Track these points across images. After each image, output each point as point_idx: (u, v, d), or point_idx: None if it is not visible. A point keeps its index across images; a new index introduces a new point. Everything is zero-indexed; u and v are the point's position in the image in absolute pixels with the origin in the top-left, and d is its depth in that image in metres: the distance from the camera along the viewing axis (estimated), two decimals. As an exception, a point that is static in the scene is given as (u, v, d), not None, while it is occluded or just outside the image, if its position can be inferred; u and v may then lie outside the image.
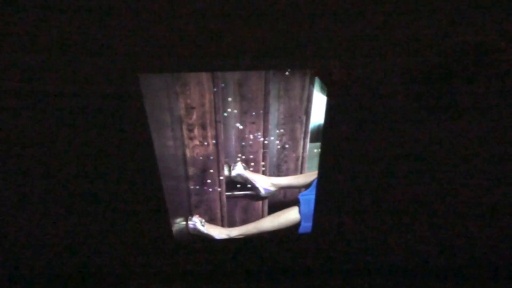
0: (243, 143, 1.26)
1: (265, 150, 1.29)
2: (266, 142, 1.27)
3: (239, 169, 1.31)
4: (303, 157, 1.31)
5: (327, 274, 1.62)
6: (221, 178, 1.32)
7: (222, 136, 1.24)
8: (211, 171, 1.30)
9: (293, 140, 1.28)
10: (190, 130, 1.21)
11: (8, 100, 1.09)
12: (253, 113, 1.21)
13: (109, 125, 1.15)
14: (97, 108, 1.11)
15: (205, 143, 1.25)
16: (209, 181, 1.32)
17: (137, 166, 1.24)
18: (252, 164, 1.31)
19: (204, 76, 1.13)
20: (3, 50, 1.00)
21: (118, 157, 1.22)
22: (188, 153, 1.26)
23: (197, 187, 1.33)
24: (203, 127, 1.21)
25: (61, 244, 1.44)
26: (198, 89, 1.15)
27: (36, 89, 1.07)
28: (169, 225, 1.38)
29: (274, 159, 1.31)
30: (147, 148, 1.19)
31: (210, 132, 1.23)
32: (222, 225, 1.43)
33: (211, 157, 1.27)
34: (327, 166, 1.29)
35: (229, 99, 1.17)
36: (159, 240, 1.45)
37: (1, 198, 1.29)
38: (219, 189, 1.35)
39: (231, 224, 1.43)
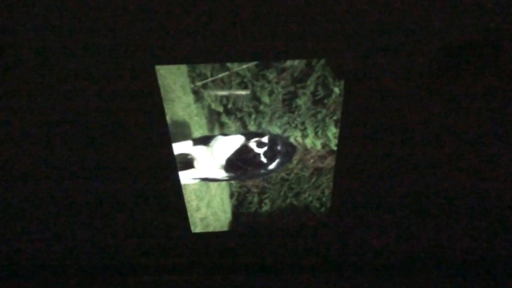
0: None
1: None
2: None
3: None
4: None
5: (330, 271, 1.62)
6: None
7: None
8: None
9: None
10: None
11: (18, 98, 1.08)
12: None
13: (125, 120, 1.15)
14: (113, 101, 1.10)
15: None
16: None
17: (154, 158, 1.25)
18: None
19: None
20: (15, 42, 0.98)
21: (135, 149, 1.22)
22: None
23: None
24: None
25: (78, 237, 1.47)
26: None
27: (51, 84, 1.06)
28: (185, 214, 1.41)
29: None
30: (163, 137, 1.19)
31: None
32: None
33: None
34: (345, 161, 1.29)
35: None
36: (174, 229, 1.47)
37: (22, 195, 1.31)
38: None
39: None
